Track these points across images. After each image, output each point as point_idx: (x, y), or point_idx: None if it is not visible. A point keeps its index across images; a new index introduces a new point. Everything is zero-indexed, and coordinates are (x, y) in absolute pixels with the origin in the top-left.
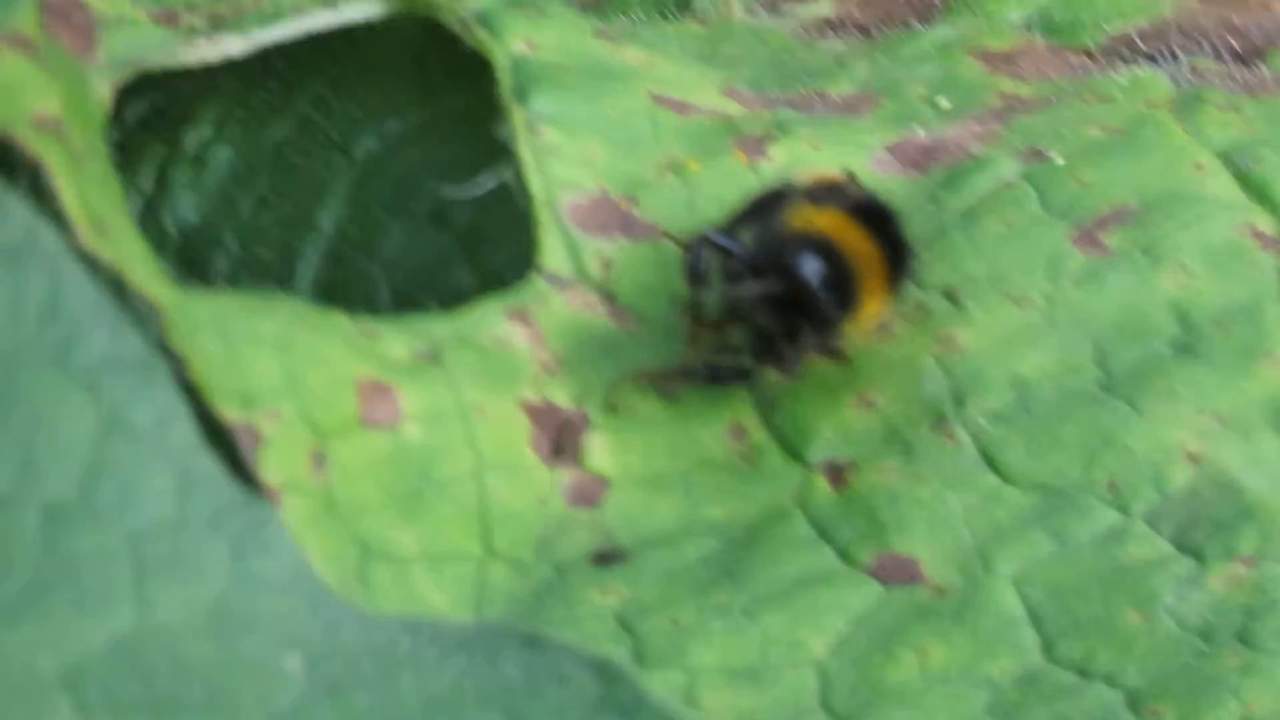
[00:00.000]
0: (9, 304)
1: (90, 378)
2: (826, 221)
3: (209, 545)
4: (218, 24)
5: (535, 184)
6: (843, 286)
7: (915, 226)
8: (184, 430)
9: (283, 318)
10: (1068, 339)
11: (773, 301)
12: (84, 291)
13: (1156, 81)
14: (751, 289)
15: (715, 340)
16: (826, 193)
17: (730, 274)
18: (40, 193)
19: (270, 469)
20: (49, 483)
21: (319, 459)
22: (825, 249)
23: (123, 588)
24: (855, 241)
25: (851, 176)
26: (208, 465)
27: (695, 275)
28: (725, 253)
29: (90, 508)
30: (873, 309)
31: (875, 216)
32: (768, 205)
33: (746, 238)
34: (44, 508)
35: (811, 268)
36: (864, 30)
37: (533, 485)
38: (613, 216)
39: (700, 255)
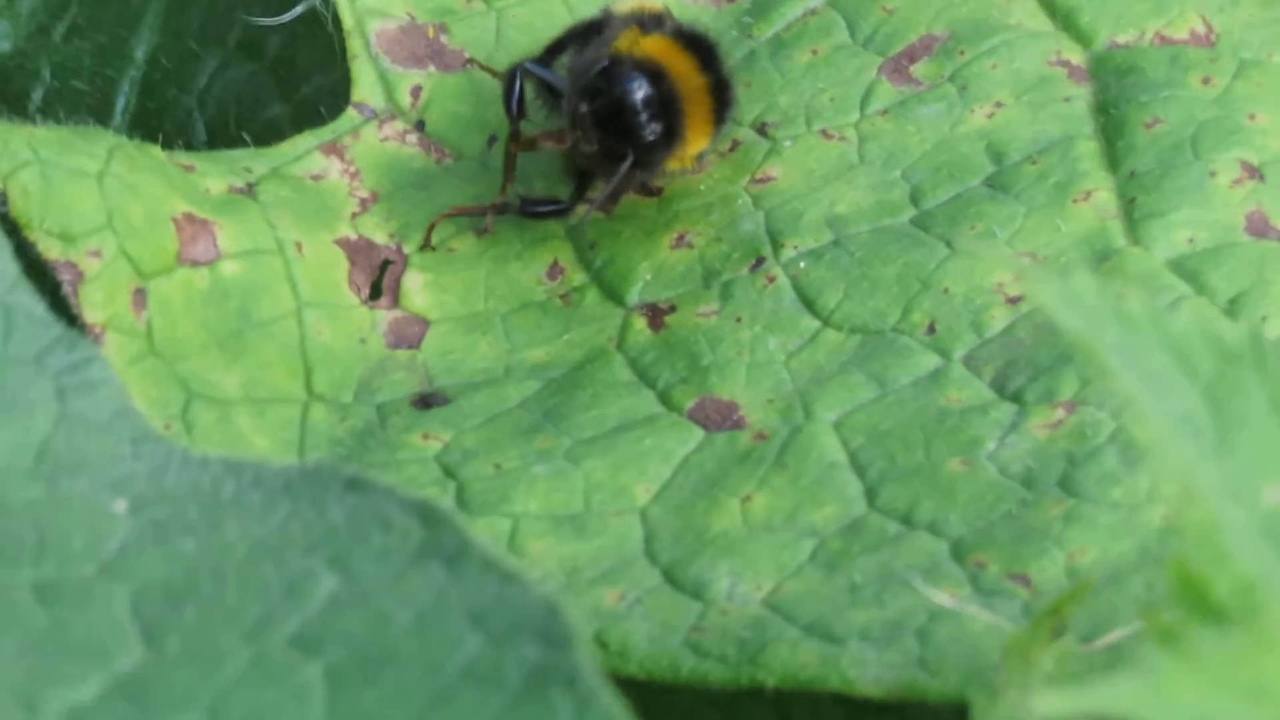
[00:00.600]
0: None
1: None
2: (654, 47)
3: (34, 384)
4: None
5: (345, 11)
6: (668, 113)
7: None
8: (5, 265)
9: (102, 152)
10: (881, 175)
11: (600, 122)
12: None
13: None
14: (576, 109)
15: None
16: (652, 21)
17: (550, 105)
18: None
19: (92, 306)
20: None
21: (140, 297)
22: (653, 73)
23: None
24: (683, 70)
25: (666, 11)
26: (30, 302)
27: (512, 108)
28: (542, 83)
29: None
30: (695, 144)
31: (701, 48)
32: (584, 35)
33: (563, 69)
34: None
35: (638, 89)
36: None
37: (352, 325)
38: (422, 45)
39: (517, 86)
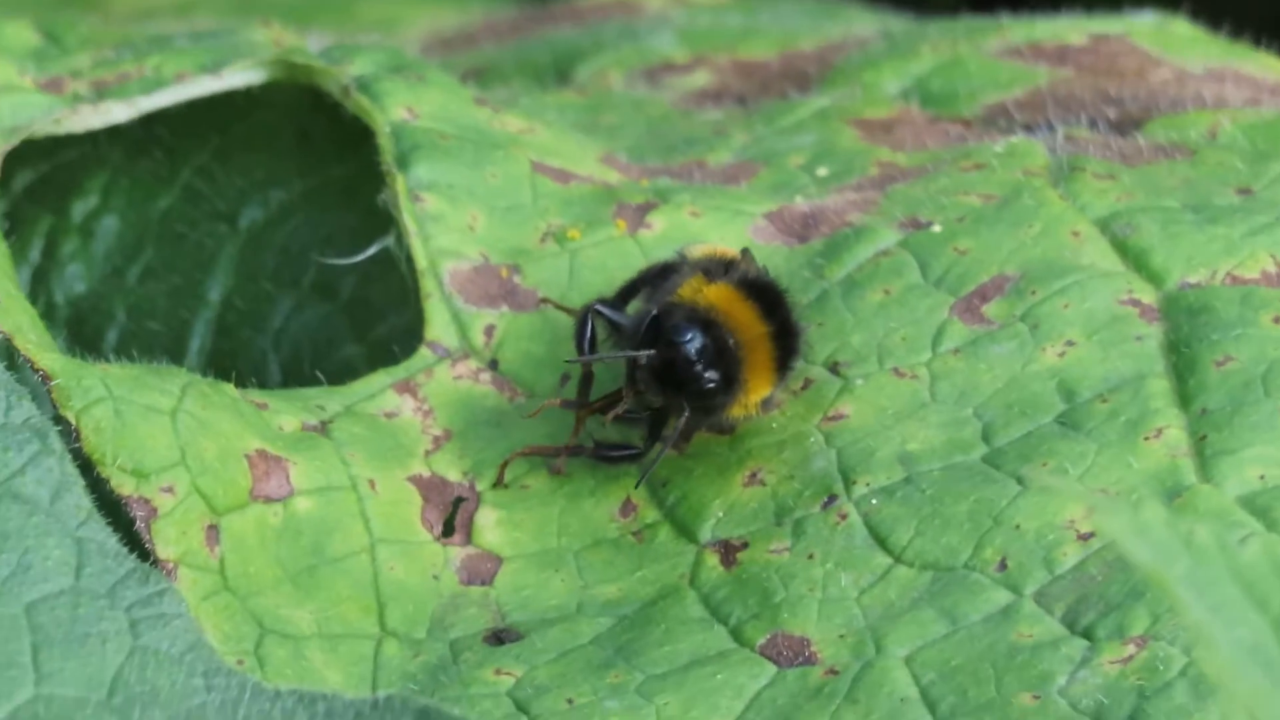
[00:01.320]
0: None
1: None
2: (715, 295)
3: (107, 618)
4: (103, 91)
5: (419, 252)
6: (725, 362)
7: (796, 296)
8: (79, 500)
9: (175, 390)
10: (953, 412)
11: (656, 374)
12: None
13: (1033, 150)
14: (633, 361)
15: (605, 416)
16: (719, 267)
17: (617, 347)
18: None
19: (165, 542)
20: None
21: (213, 533)
22: (707, 323)
23: (21, 659)
24: (743, 318)
25: (746, 253)
26: (104, 536)
27: (583, 348)
28: (613, 325)
29: None
30: (758, 390)
31: (766, 294)
32: (657, 278)
33: (634, 310)
34: None
35: (691, 341)
36: (741, 100)
37: (425, 561)
38: (496, 285)
39: (588, 327)
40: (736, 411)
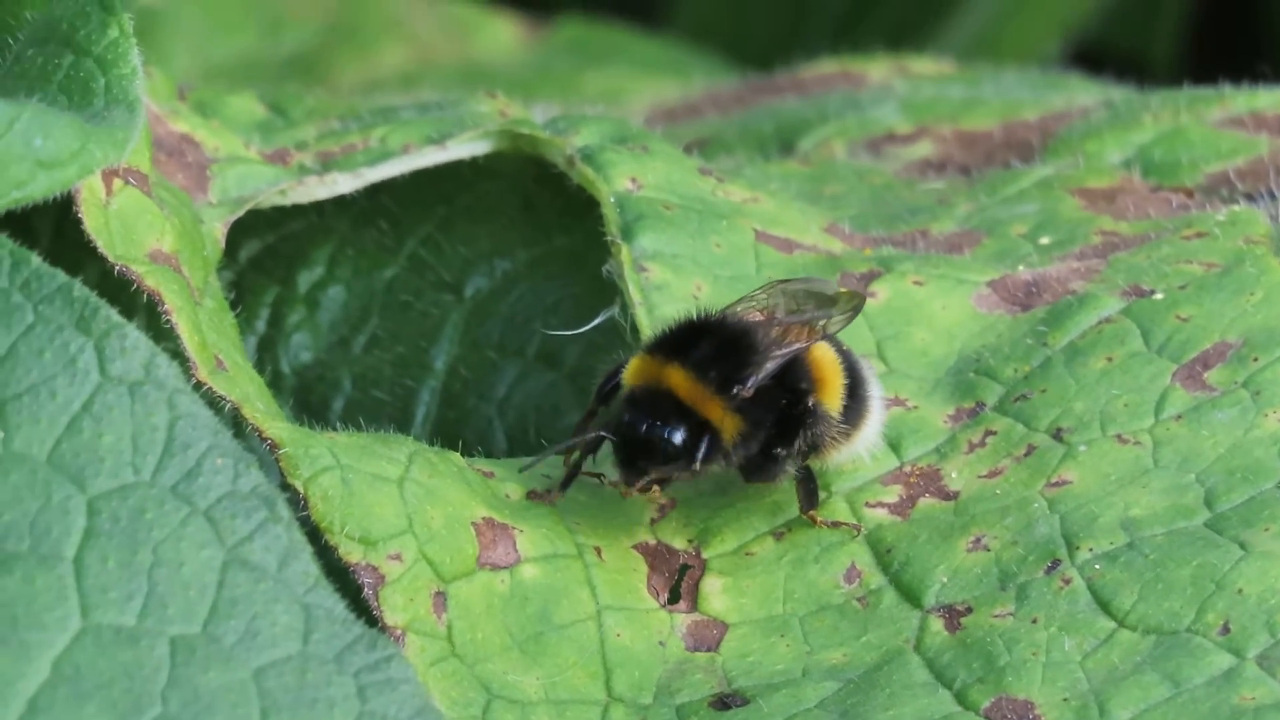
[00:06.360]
0: (131, 436)
1: (212, 512)
2: (631, 376)
3: (335, 683)
4: (328, 163)
5: (643, 322)
6: (661, 417)
7: (1018, 362)
8: (306, 567)
9: (402, 458)
10: (1175, 479)
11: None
12: (204, 425)
13: (1254, 218)
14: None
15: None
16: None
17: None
18: (156, 329)
19: (392, 609)
20: (175, 618)
21: (440, 600)
22: (639, 399)
23: None
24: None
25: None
26: (331, 602)
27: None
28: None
29: (216, 643)
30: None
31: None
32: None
33: None
34: (171, 643)
35: (630, 421)
36: (965, 170)
37: (651, 628)
38: None
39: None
40: (726, 436)
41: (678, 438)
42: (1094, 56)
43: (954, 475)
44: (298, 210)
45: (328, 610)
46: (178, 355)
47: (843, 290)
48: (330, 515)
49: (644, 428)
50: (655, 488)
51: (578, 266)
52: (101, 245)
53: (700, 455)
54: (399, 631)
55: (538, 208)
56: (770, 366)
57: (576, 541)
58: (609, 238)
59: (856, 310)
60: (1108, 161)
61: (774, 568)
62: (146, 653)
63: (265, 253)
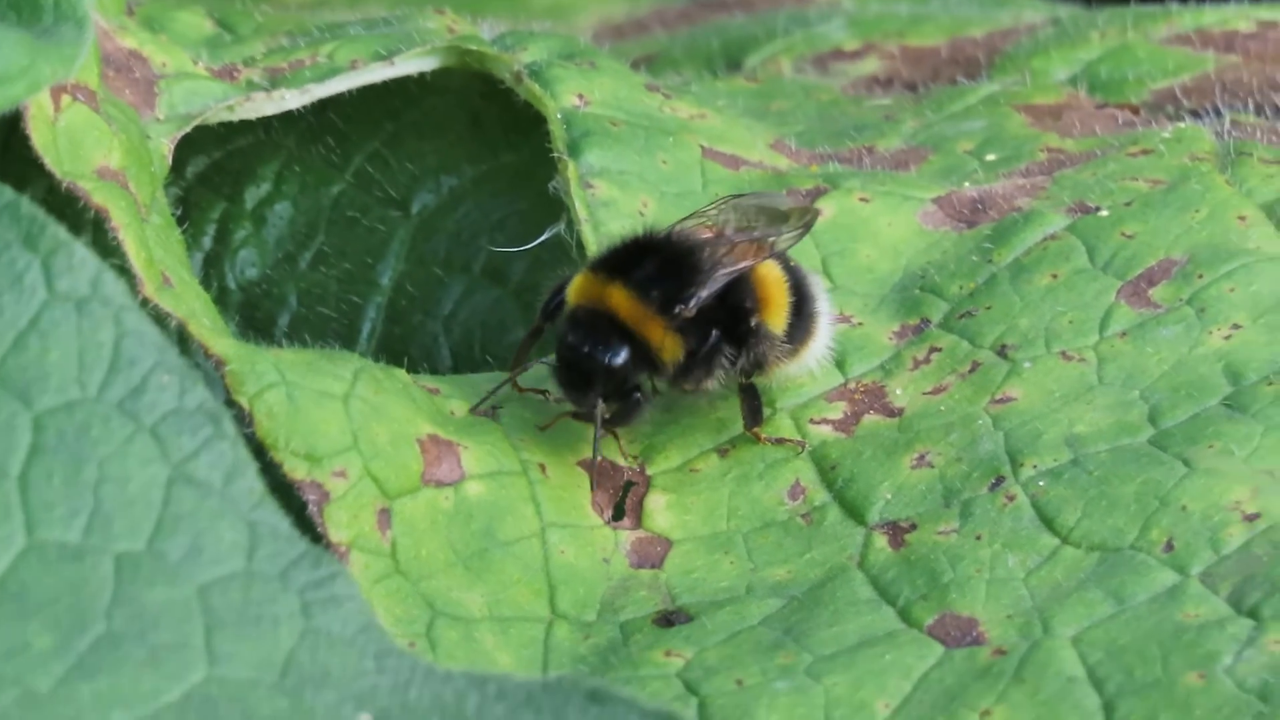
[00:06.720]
0: (77, 352)
1: (158, 429)
2: (574, 294)
3: (279, 600)
4: (275, 79)
5: (589, 238)
6: (602, 340)
7: (964, 279)
8: (251, 484)
9: (347, 375)
10: (1120, 395)
11: (563, 381)
12: (150, 341)
13: (1200, 135)
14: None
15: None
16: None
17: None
18: (103, 245)
19: (337, 526)
20: (120, 535)
21: (385, 516)
22: (581, 319)
23: (194, 641)
24: (593, 291)
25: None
26: (276, 519)
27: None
28: None
29: (161, 560)
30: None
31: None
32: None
33: None
34: (116, 559)
35: (572, 341)
36: (911, 87)
37: (595, 545)
38: None
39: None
40: (666, 357)
41: (617, 360)
42: None
43: (899, 392)
44: (245, 126)
45: (272, 527)
46: (124, 272)
47: (795, 206)
48: (275, 432)
49: (584, 349)
50: (599, 404)
51: (524, 183)
52: (49, 162)
53: (637, 378)
54: (343, 548)
55: (485, 124)
56: (713, 286)
57: (521, 458)
58: (556, 154)
59: (808, 227)
60: (1054, 78)
61: (718, 484)
62: (91, 570)
63: (212, 169)
